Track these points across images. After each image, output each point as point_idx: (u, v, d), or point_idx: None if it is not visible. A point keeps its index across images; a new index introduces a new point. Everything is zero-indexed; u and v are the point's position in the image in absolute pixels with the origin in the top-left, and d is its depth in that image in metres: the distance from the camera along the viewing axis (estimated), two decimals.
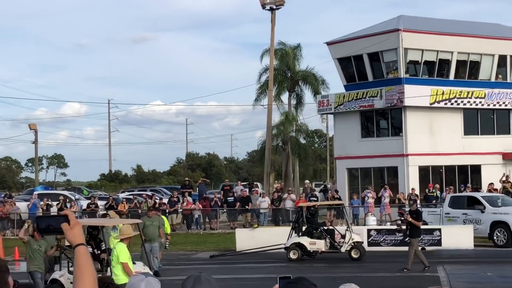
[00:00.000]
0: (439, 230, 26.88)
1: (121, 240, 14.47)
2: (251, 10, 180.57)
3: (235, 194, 39.41)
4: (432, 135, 41.36)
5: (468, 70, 42.81)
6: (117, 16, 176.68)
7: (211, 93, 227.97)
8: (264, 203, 37.31)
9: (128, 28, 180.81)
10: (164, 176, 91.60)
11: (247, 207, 37.66)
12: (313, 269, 22.70)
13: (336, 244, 24.54)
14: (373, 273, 21.68)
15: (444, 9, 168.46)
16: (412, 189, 37.76)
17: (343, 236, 24.60)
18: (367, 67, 42.57)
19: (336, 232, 25.05)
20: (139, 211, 38.14)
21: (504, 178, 38.34)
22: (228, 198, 38.76)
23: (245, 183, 51.33)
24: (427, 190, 38.23)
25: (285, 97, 52.60)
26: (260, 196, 38.64)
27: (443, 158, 41.41)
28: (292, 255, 24.73)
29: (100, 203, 40.00)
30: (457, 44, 42.00)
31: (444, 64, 42.31)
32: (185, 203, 38.28)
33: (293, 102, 52.60)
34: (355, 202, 37.43)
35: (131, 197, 42.11)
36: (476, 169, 42.47)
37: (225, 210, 38.89)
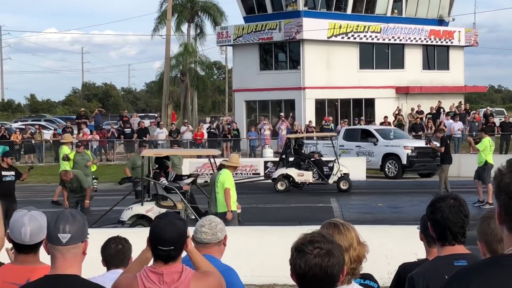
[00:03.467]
0: (333, 162, 27.54)
1: (227, 167, 13.93)
2: None
3: (132, 126, 39.08)
4: (329, 69, 41.94)
5: (365, 5, 43.37)
6: None
7: (108, 21, 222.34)
8: (161, 134, 37.13)
9: None
10: (59, 106, 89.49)
11: (144, 138, 37.41)
12: (299, 199, 23.01)
13: (323, 175, 24.75)
14: (269, 204, 22.05)
15: None
16: (309, 121, 38.40)
17: (331, 168, 24.82)
18: None
19: (323, 163, 25.23)
20: (33, 141, 37.32)
21: (396, 112, 39.50)
22: (125, 130, 38.38)
23: (142, 114, 50.90)
24: (323, 123, 38.94)
25: (185, 28, 52.00)
26: (158, 127, 38.43)
27: (338, 91, 42.15)
28: (280, 186, 24.77)
29: None
30: None
31: None
32: (81, 134, 37.62)
33: (193, 33, 52.08)
34: (253, 134, 37.77)
35: (24, 127, 41.04)
36: (370, 103, 43.52)
37: (122, 141, 38.53)
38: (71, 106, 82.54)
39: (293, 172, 24.98)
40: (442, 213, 3.91)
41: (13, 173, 16.07)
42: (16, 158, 36.02)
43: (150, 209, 15.10)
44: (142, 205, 15.28)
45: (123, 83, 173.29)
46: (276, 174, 25.35)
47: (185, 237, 3.99)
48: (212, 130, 38.67)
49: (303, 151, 26.57)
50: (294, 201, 22.42)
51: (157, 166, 16.41)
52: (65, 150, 21.28)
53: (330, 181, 24.72)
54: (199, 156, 26.97)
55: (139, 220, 15.06)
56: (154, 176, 15.95)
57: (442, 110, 40.41)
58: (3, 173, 15.91)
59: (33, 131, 38.34)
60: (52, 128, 44.21)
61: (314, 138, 32.14)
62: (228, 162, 14.11)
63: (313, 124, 38.17)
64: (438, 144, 22.95)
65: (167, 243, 3.91)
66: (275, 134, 37.70)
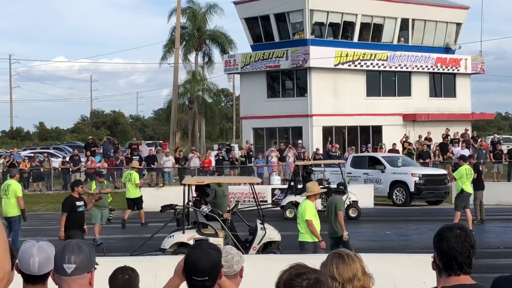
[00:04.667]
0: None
1: (308, 197, 13.96)
2: None
3: (140, 153, 39.19)
4: (336, 96, 42.06)
5: (372, 33, 43.65)
6: None
7: (117, 50, 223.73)
8: (168, 162, 37.19)
9: None
10: (68, 133, 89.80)
11: (152, 166, 37.47)
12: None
13: None
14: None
15: None
16: (317, 148, 38.40)
17: None
18: (274, 28, 42.77)
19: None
20: (41, 169, 37.43)
21: (404, 139, 39.49)
22: (133, 157, 38.46)
23: (150, 141, 51.05)
24: (329, 148, 38.79)
25: (193, 56, 52.34)
26: (164, 155, 38.50)
27: (346, 118, 42.24)
28: (289, 214, 24.74)
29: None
30: (361, 6, 42.66)
31: (348, 26, 42.95)
32: (89, 162, 37.71)
33: (201, 61, 52.39)
34: (260, 161, 37.78)
35: (32, 155, 41.21)
36: (377, 130, 43.56)
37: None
38: (80, 134, 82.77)
39: (301, 199, 24.93)
40: (449, 242, 3.91)
41: (82, 202, 15.46)
42: (25, 186, 36.15)
43: (191, 237, 15.04)
44: (183, 233, 15.22)
45: (132, 110, 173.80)
46: (285, 201, 25.32)
47: (219, 268, 3.94)
48: (221, 158, 38.75)
49: (311, 179, 26.57)
50: None
51: (198, 193, 16.45)
52: (136, 176, 23.29)
53: None
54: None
55: (180, 248, 14.96)
56: (195, 203, 15.97)
57: (450, 137, 40.37)
58: (77, 203, 15.24)
59: (41, 159, 38.45)
60: (61, 156, 44.33)
61: (322, 165, 32.17)
62: (307, 192, 14.11)
63: (320, 151, 38.19)
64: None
65: (201, 273, 3.87)
66: (283, 160, 37.69)
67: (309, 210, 13.62)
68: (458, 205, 20.09)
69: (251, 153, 38.38)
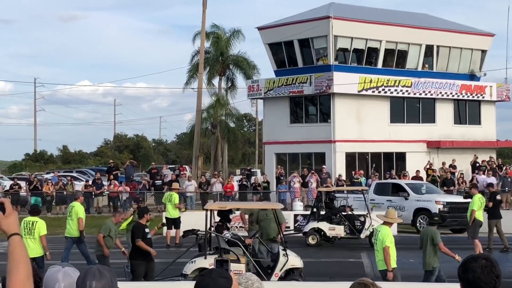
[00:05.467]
0: (364, 216, 27.28)
1: (385, 223, 13.92)
2: None
3: (162, 177, 39.21)
4: (359, 122, 41.94)
5: (396, 59, 43.56)
6: None
7: (141, 74, 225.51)
8: (190, 186, 37.19)
9: (57, 6, 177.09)
10: (91, 157, 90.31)
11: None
12: (330, 253, 22.87)
13: (355, 229, 24.59)
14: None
15: None
16: (339, 175, 38.24)
17: (363, 222, 24.64)
18: (297, 53, 42.84)
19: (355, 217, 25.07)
20: (65, 192, 37.59)
21: (428, 166, 39.21)
22: (155, 181, 38.50)
23: (173, 166, 51.17)
24: (374, 173, 38.52)
25: (216, 80, 52.56)
26: (187, 179, 38.53)
27: (369, 145, 42.06)
28: (311, 240, 24.63)
29: (24, 184, 39.22)
30: (386, 33, 42.65)
31: (372, 52, 42.92)
32: (112, 186, 37.83)
33: (225, 85, 52.59)
34: (282, 187, 37.67)
35: (56, 178, 41.42)
36: (401, 157, 43.30)
37: (152, 193, 38.63)
38: (103, 158, 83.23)
39: (324, 226, 24.79)
40: (474, 273, 3.87)
41: (148, 229, 15.35)
42: (47, 210, 36.29)
43: (213, 262, 14.95)
44: (205, 258, 15.13)
45: (154, 134, 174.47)
46: (307, 227, 25.17)
47: None
48: (244, 183, 38.70)
49: (334, 205, 26.42)
50: (325, 256, 22.21)
51: (219, 219, 16.40)
52: (176, 197, 25.80)
53: (362, 235, 24.46)
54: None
55: None
56: (217, 229, 15.91)
57: (477, 164, 40.02)
58: (146, 230, 15.10)
59: (65, 183, 38.65)
60: (84, 180, 44.53)
61: (345, 191, 32.00)
62: (386, 218, 13.95)
63: (343, 178, 38.01)
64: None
65: None
66: (305, 186, 37.56)
67: (390, 236, 13.46)
68: (474, 232, 19.89)
69: (282, 178, 38.26)
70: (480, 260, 3.91)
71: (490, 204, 22.04)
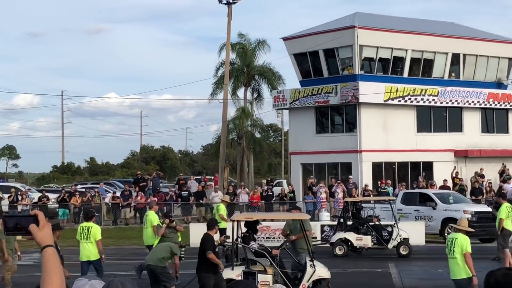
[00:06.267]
0: (391, 226, 27.16)
1: (458, 231, 13.80)
2: (208, 3, 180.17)
3: (189, 189, 39.32)
4: (386, 132, 41.73)
5: (422, 68, 43.32)
6: (72, 7, 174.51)
7: (166, 86, 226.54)
8: (216, 197, 37.23)
9: (84, 19, 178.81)
10: (118, 169, 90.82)
11: (201, 201, 37.54)
12: (357, 264, 22.75)
13: (383, 240, 24.52)
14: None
15: (400, 6, 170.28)
16: (366, 185, 38.05)
17: (390, 233, 24.57)
18: (323, 63, 42.77)
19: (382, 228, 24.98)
20: (92, 204, 37.80)
21: (454, 174, 38.86)
22: (182, 193, 38.61)
23: (198, 177, 51.24)
24: (421, 182, 38.07)
25: (241, 91, 52.61)
26: (213, 190, 38.57)
27: (396, 154, 41.81)
28: (338, 251, 24.54)
29: (52, 196, 39.54)
30: (412, 42, 42.45)
31: (398, 61, 42.73)
32: (139, 197, 37.98)
33: (250, 96, 52.62)
34: (309, 198, 37.57)
35: (84, 190, 41.69)
36: (428, 166, 42.99)
37: (179, 204, 38.72)
38: (130, 169, 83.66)
39: (351, 236, 24.66)
40: (496, 277, 4.01)
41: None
42: (76, 221, 36.52)
43: (240, 274, 14.96)
44: (232, 269, 15.16)
45: (181, 145, 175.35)
46: (334, 238, 25.05)
47: None
48: (270, 193, 38.64)
49: (361, 215, 26.29)
50: (352, 266, 22.08)
51: (246, 230, 16.41)
52: (222, 208, 25.24)
53: (390, 246, 24.30)
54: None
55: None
56: (244, 240, 15.92)
57: (506, 173, 39.61)
58: (214, 242, 15.16)
59: (92, 194, 38.89)
60: (111, 191, 44.78)
61: (371, 202, 31.83)
62: (459, 226, 13.85)
63: (370, 188, 37.80)
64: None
65: None
66: (332, 196, 37.41)
67: (469, 242, 13.32)
68: (504, 242, 19.70)
69: (314, 187, 38.11)
70: (502, 269, 4.07)
71: None
